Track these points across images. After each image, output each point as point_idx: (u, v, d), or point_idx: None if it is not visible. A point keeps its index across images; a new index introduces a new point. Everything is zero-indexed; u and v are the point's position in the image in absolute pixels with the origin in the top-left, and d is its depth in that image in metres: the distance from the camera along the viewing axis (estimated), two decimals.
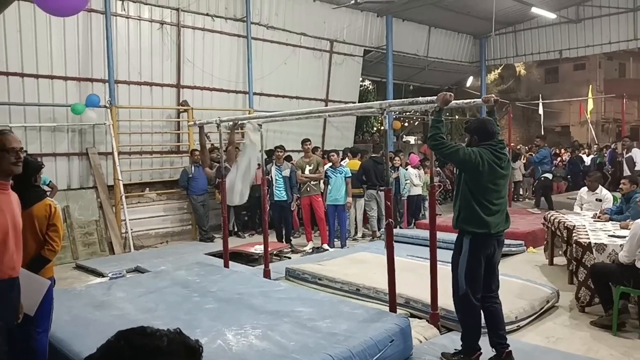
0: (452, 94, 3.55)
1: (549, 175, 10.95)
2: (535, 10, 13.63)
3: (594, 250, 4.89)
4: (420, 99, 3.79)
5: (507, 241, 7.35)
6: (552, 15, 14.33)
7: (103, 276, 6.79)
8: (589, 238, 5.14)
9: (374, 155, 9.26)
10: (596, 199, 7.26)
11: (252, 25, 11.03)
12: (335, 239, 8.58)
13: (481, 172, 3.56)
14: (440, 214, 9.68)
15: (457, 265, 3.77)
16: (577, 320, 4.83)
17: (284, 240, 8.54)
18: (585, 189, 7.59)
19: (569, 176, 14.67)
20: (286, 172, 8.33)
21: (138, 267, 7.09)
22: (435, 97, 3.62)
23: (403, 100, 4.06)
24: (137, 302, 4.70)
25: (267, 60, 11.51)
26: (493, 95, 3.83)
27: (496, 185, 3.64)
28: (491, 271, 3.80)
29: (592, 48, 15.67)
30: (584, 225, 5.84)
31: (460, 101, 4.07)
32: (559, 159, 15.33)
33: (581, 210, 7.26)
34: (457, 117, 22.35)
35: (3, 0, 1.76)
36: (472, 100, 4.08)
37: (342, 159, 9.13)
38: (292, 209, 8.42)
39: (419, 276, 5.15)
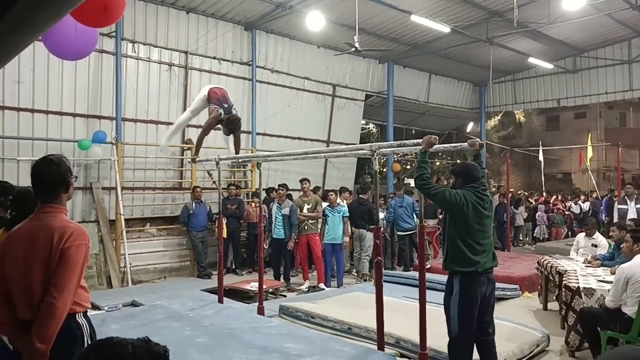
0: (437, 137, 3.73)
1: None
2: (532, 60, 14.09)
3: (582, 294, 4.94)
4: (407, 141, 3.98)
5: (502, 285, 7.47)
6: (549, 66, 14.78)
7: (99, 309, 6.82)
8: (578, 282, 5.19)
9: (360, 196, 9.36)
10: (592, 245, 7.33)
11: (258, 68, 11.42)
12: (332, 278, 8.61)
13: (466, 214, 3.68)
14: (428, 256, 9.68)
15: (449, 306, 3.82)
16: None
17: (282, 278, 8.59)
18: (582, 234, 7.70)
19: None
20: (285, 211, 8.44)
21: (134, 302, 7.11)
22: (421, 140, 3.81)
23: (392, 142, 4.24)
24: (129, 334, 4.70)
25: (270, 102, 11.84)
26: (478, 139, 4.01)
27: (481, 225, 3.76)
28: (487, 313, 3.82)
29: (590, 97, 16.08)
30: (575, 270, 5.89)
31: (448, 145, 4.25)
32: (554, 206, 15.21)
33: (577, 255, 7.33)
34: (458, 160, 22.62)
35: (16, 44, 1.93)
36: (459, 144, 4.27)
37: None
38: (289, 248, 8.51)
39: (411, 317, 5.17)
